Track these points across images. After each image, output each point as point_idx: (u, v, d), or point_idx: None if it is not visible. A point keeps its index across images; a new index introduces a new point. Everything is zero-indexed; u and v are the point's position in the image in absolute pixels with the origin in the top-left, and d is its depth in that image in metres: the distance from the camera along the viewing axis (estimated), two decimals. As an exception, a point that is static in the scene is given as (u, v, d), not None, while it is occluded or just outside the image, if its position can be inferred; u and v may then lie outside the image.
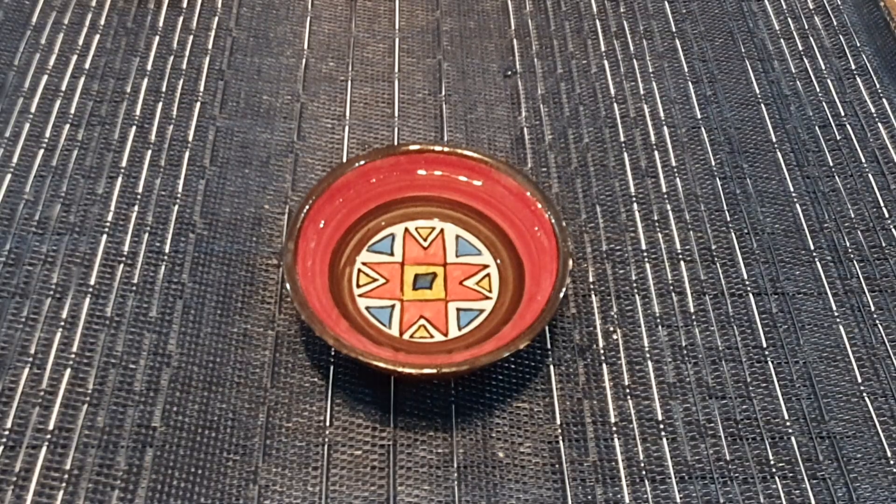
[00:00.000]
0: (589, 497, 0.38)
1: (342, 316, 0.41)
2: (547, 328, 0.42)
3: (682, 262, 0.45)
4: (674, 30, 0.57)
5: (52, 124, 0.50)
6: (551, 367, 0.42)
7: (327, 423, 0.40)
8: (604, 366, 0.42)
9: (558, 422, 0.40)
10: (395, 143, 0.50)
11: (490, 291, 0.43)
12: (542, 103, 0.52)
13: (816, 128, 0.52)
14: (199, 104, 0.51)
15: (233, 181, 0.48)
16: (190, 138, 0.49)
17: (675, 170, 0.49)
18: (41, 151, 0.48)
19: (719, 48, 0.56)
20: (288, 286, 0.39)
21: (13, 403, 0.39)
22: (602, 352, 0.42)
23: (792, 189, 0.49)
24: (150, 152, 0.49)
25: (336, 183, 0.44)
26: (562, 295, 0.40)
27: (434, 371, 0.38)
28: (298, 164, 0.49)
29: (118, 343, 0.41)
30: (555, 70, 0.54)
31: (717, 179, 0.49)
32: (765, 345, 0.43)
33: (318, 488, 0.38)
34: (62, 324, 0.42)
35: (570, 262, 0.41)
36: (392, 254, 0.44)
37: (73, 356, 0.41)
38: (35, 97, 0.51)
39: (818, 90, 0.54)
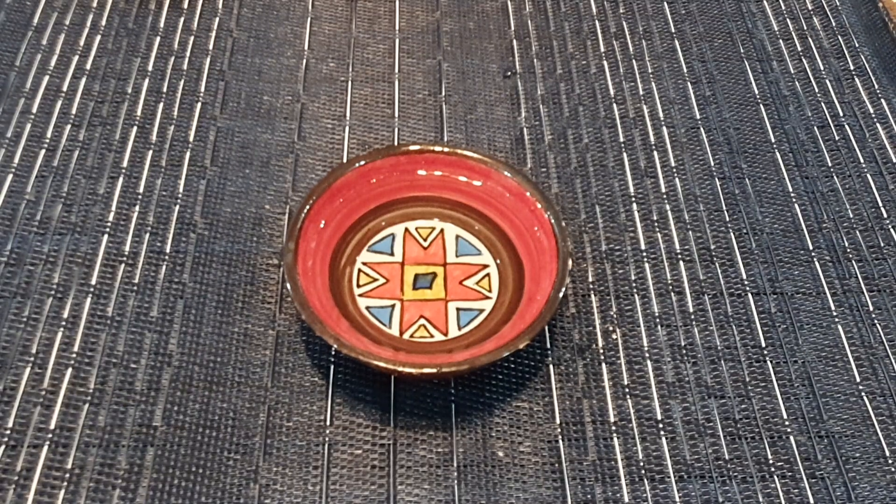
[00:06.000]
0: (588, 496, 0.38)
1: (342, 316, 0.41)
2: (546, 328, 0.42)
3: (681, 262, 0.46)
4: (673, 30, 0.57)
5: (54, 125, 0.50)
6: (551, 366, 0.42)
7: (327, 423, 0.40)
8: (603, 365, 0.42)
9: (558, 421, 0.40)
10: (396, 143, 0.50)
11: (490, 291, 0.43)
12: (542, 104, 0.52)
13: (815, 128, 0.52)
14: (199, 105, 0.51)
15: (233, 181, 0.48)
16: (191, 139, 0.50)
17: (675, 170, 0.49)
18: (42, 152, 0.48)
19: (718, 49, 0.56)
20: (288, 286, 0.40)
21: (15, 403, 0.39)
22: (601, 351, 0.42)
23: (791, 189, 0.49)
24: (151, 153, 0.49)
25: (336, 183, 0.44)
26: (561, 295, 0.40)
27: (434, 371, 0.38)
28: (299, 165, 0.49)
29: (119, 343, 0.41)
30: (554, 71, 0.54)
31: (716, 179, 0.49)
32: (763, 344, 0.43)
33: (318, 487, 0.38)
34: (63, 324, 0.42)
35: (570, 262, 0.41)
36: (392, 254, 0.44)
37: (74, 356, 0.41)
38: (36, 98, 0.51)
39: (817, 91, 0.54)
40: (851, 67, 0.55)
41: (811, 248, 0.47)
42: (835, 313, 0.44)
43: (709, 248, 0.46)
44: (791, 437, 0.40)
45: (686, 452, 0.39)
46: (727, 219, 0.47)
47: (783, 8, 0.59)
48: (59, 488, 0.37)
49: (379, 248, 0.44)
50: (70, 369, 0.40)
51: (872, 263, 0.46)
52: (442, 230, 0.45)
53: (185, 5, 0.56)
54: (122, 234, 0.45)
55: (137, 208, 0.46)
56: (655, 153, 0.50)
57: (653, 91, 0.53)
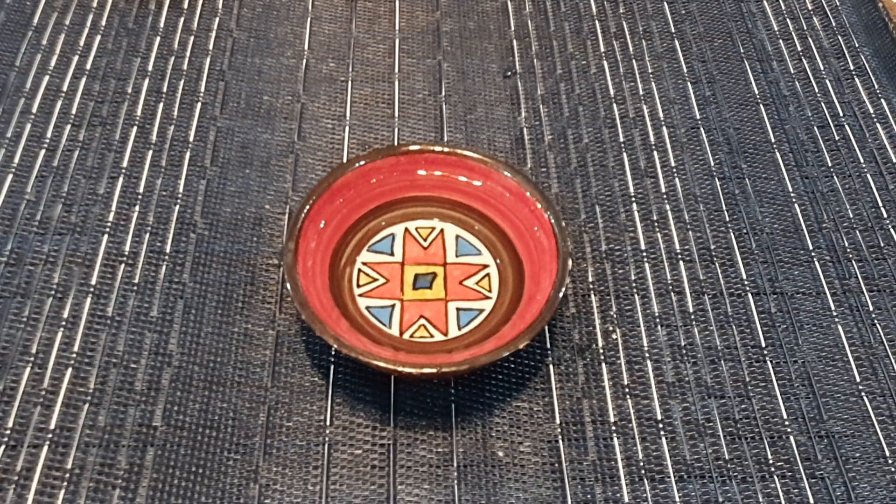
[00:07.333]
0: (588, 496, 0.38)
1: (342, 316, 0.41)
2: (546, 328, 0.42)
3: (681, 262, 0.46)
4: (673, 30, 0.57)
5: (54, 125, 0.50)
6: (551, 366, 0.42)
7: (327, 423, 0.40)
8: (603, 365, 0.42)
9: (558, 421, 0.40)
10: (396, 143, 0.50)
11: (490, 291, 0.43)
12: (542, 104, 0.52)
13: (815, 128, 0.52)
14: (199, 105, 0.51)
15: (233, 181, 0.48)
16: (191, 139, 0.50)
17: (675, 170, 0.49)
18: (43, 152, 0.48)
19: (718, 49, 0.56)
20: (288, 286, 0.40)
21: (15, 403, 0.39)
22: (601, 351, 0.42)
23: (791, 189, 0.49)
24: (151, 153, 0.49)
25: (336, 183, 0.44)
26: (561, 294, 0.40)
27: (434, 371, 0.38)
28: (299, 165, 0.49)
29: (119, 343, 0.41)
30: (554, 71, 0.54)
31: (716, 179, 0.49)
32: (763, 344, 0.43)
33: (318, 487, 0.38)
34: (63, 323, 0.42)
35: (570, 262, 0.41)
36: (392, 254, 0.44)
37: (74, 356, 0.41)
38: (36, 98, 0.51)
39: (817, 91, 0.54)
40: (851, 67, 0.55)
41: (811, 248, 0.47)
42: (835, 313, 0.44)
43: (709, 248, 0.46)
44: (791, 437, 0.40)
45: (686, 452, 0.39)
46: (727, 219, 0.47)
47: (783, 8, 0.59)
48: (59, 488, 0.37)
49: (379, 248, 0.44)
50: (70, 369, 0.40)
51: (872, 263, 0.46)
52: (442, 230, 0.45)
53: (185, 5, 0.56)
54: (122, 234, 0.45)
55: (137, 208, 0.46)
56: (655, 153, 0.50)
57: (653, 91, 0.53)
